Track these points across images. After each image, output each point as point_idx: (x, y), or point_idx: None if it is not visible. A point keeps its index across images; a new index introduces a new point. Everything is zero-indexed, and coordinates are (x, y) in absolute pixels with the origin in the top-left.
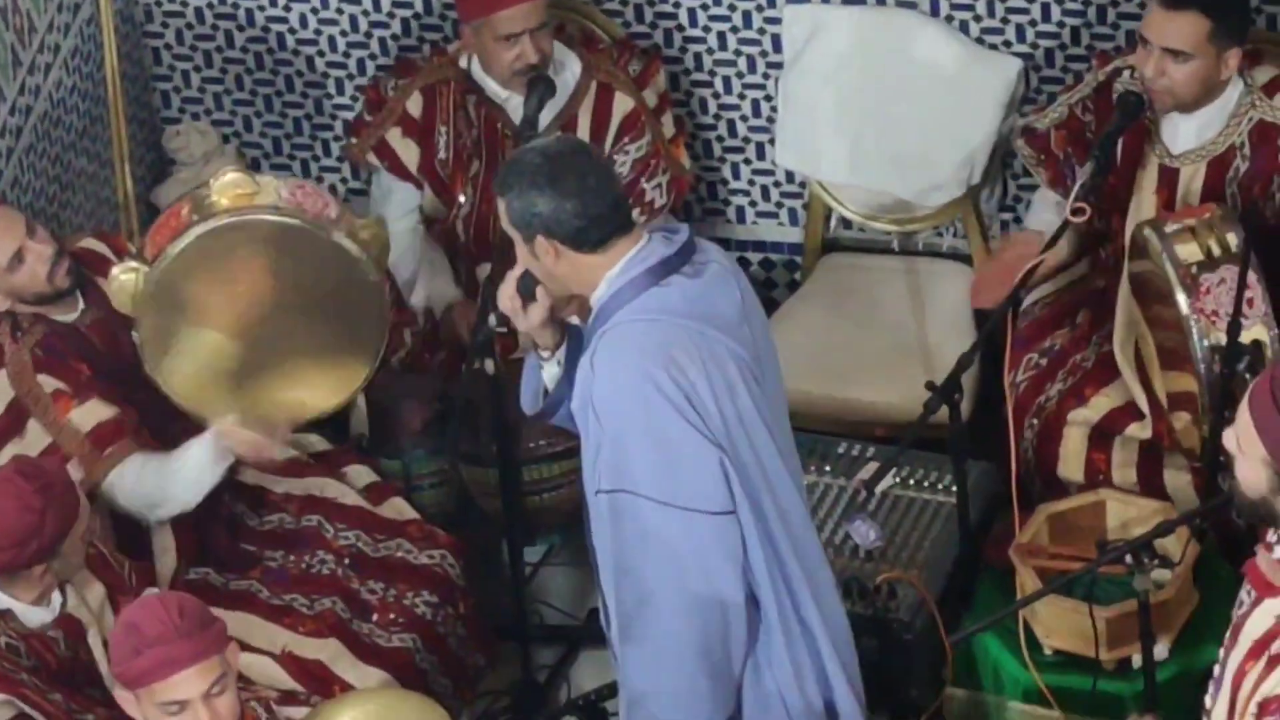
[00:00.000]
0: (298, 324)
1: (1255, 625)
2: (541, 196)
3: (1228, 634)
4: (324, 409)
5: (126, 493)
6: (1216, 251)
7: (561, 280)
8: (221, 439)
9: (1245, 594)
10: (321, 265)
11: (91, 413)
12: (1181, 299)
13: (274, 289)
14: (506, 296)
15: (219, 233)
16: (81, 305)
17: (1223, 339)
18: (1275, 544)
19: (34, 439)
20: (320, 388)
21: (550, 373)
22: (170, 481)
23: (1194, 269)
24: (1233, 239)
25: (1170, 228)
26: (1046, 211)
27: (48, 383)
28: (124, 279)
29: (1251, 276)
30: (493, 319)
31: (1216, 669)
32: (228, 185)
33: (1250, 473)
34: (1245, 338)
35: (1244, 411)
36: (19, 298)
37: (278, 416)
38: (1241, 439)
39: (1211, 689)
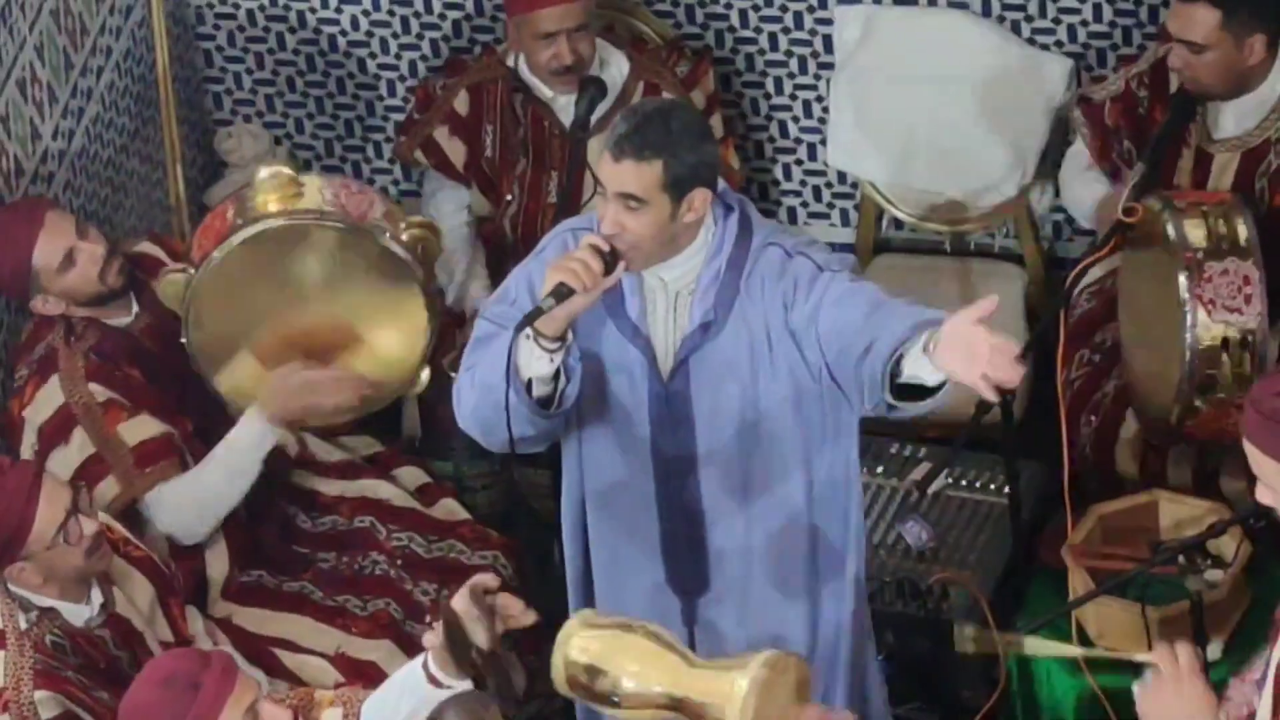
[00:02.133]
0: (341, 331)
1: None
2: (705, 147)
3: (1271, 631)
4: (360, 412)
5: (169, 510)
6: (1224, 240)
7: (672, 237)
8: (264, 411)
9: None
10: (367, 266)
11: (140, 427)
12: (1182, 280)
13: (320, 290)
14: (586, 259)
15: (262, 237)
16: (135, 309)
17: (1216, 329)
18: None
19: (78, 448)
20: (373, 373)
21: (544, 369)
22: (212, 474)
23: (1199, 254)
24: (1242, 231)
25: (1181, 204)
26: (1083, 188)
27: (99, 392)
28: (173, 278)
29: (1254, 273)
30: (545, 296)
31: (1258, 671)
32: (271, 186)
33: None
34: (1236, 334)
35: (1245, 444)
36: (73, 299)
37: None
38: (1258, 470)
39: (1256, 690)
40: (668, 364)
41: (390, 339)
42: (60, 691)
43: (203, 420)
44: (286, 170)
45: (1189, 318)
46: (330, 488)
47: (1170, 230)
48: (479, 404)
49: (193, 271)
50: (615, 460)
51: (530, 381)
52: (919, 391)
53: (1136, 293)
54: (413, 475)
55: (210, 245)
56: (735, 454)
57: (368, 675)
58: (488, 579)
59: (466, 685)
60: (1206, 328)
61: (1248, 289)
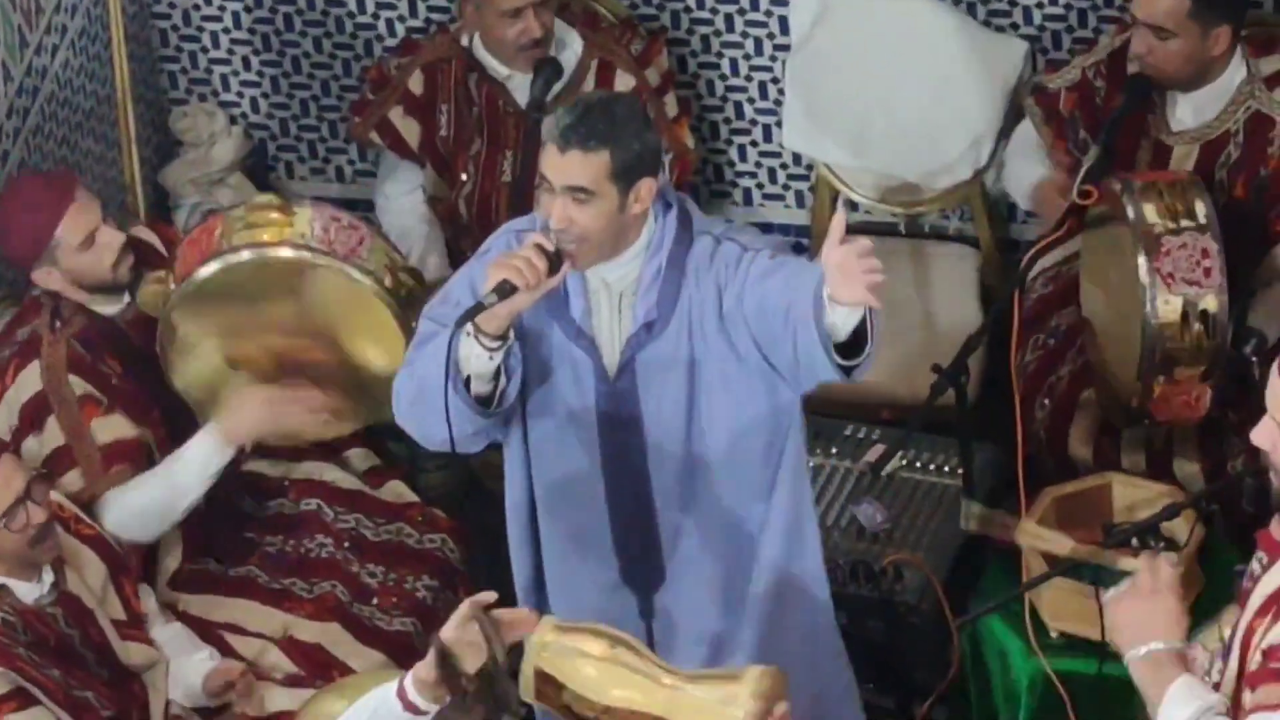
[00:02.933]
0: (317, 356)
1: (1267, 585)
2: (649, 135)
3: (1232, 607)
4: (324, 435)
5: (113, 513)
6: (1182, 216)
7: (620, 230)
8: (220, 429)
9: (1256, 563)
10: (345, 303)
11: (113, 427)
12: (1141, 259)
13: (296, 322)
14: (530, 257)
15: (245, 264)
16: (126, 299)
17: (1175, 301)
18: None
19: (50, 437)
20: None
21: (485, 367)
22: (157, 486)
23: (1156, 229)
24: (1200, 207)
25: (1139, 184)
26: (1024, 166)
27: (78, 384)
28: (153, 289)
29: (1213, 246)
30: (488, 292)
31: (1222, 644)
32: (262, 212)
33: None
34: (1195, 307)
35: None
36: (77, 281)
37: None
38: (1273, 400)
39: (1218, 663)
40: (613, 364)
41: (369, 361)
42: (11, 668)
43: (177, 417)
44: (279, 199)
45: (1149, 291)
46: (276, 469)
47: (1129, 209)
48: (415, 399)
49: (173, 286)
50: (563, 461)
51: (469, 379)
52: (857, 344)
53: (1097, 274)
54: (361, 456)
55: (194, 262)
56: (682, 449)
57: (314, 658)
58: (486, 596)
59: (434, 710)
60: (1166, 300)
61: (1206, 261)
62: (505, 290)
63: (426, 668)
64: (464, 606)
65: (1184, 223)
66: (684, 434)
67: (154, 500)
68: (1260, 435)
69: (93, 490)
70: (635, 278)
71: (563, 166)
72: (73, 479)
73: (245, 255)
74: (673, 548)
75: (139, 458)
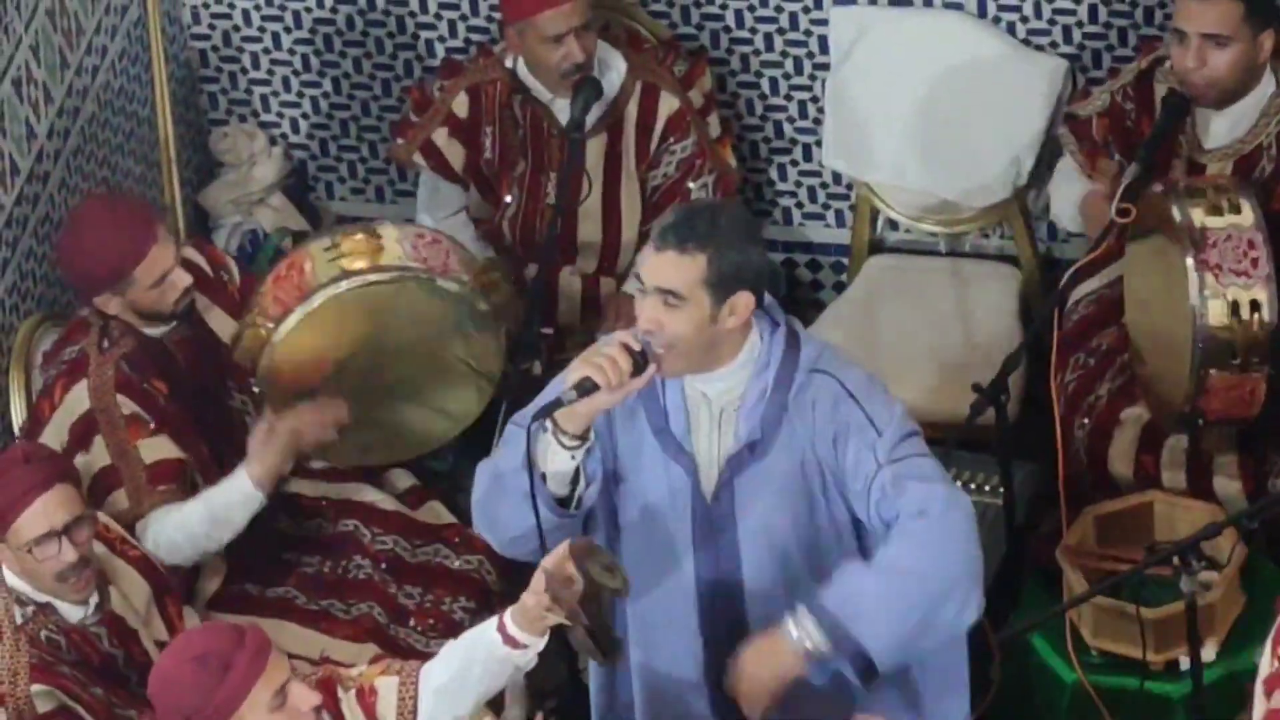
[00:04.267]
0: (416, 374)
1: None
2: (753, 249)
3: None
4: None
5: (152, 536)
6: (1227, 211)
7: (713, 345)
8: (251, 474)
9: None
10: (446, 314)
11: (159, 447)
12: (1189, 255)
13: (398, 341)
14: (614, 355)
15: (344, 297)
16: (174, 320)
17: (1224, 293)
18: None
19: (97, 456)
20: (433, 424)
21: (564, 466)
22: (196, 517)
23: (1201, 224)
24: (1244, 203)
25: (1183, 186)
26: (1068, 188)
27: (125, 404)
28: (251, 338)
29: (1258, 237)
30: (568, 389)
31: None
32: (352, 240)
33: None
34: (1244, 296)
35: None
36: (135, 310)
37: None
38: None
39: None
40: (711, 483)
41: (462, 370)
42: (56, 686)
43: (220, 439)
44: (368, 225)
45: (1196, 285)
46: (314, 490)
47: (1174, 208)
48: (490, 489)
49: (270, 326)
50: (655, 584)
51: (543, 477)
52: None
53: (1143, 283)
54: (401, 477)
55: (292, 300)
56: (781, 575)
57: None
58: (586, 541)
59: (542, 644)
60: (1214, 292)
61: (1253, 253)
62: (586, 388)
63: (533, 595)
64: (562, 546)
65: (1229, 217)
66: (784, 554)
67: (196, 529)
68: None
69: (138, 510)
70: (739, 394)
71: (656, 266)
72: (119, 498)
73: (348, 284)
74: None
75: (183, 478)
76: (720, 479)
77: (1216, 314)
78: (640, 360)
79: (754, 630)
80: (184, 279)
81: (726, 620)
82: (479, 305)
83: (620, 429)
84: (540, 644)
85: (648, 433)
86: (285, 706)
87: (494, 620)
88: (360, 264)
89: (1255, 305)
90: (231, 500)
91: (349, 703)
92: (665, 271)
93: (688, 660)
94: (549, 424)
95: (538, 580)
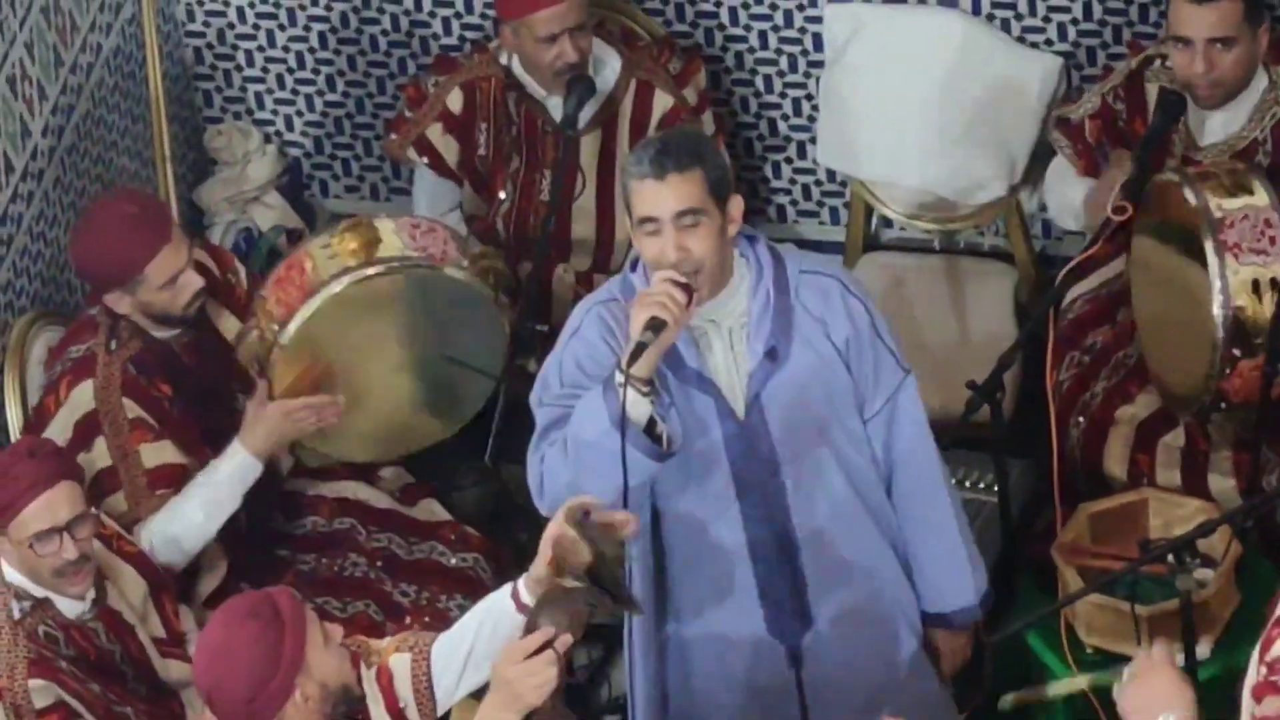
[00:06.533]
0: (421, 366)
1: None
2: (722, 156)
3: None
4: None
5: (161, 531)
6: (1241, 193)
7: (725, 259)
8: (245, 444)
9: None
10: (448, 303)
11: (161, 452)
12: (1207, 238)
13: (401, 334)
14: (670, 291)
15: (346, 296)
16: (184, 324)
17: (1244, 271)
18: None
19: (98, 457)
20: (434, 420)
21: (645, 412)
22: (190, 503)
23: (1216, 206)
24: (1257, 184)
25: (1194, 172)
26: (1069, 188)
27: (130, 408)
28: (252, 345)
29: (1275, 217)
30: (644, 332)
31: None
32: (352, 235)
33: None
34: (1265, 274)
35: None
36: (145, 312)
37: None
38: None
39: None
40: (739, 403)
41: (468, 356)
42: (54, 681)
43: (224, 443)
44: (363, 218)
45: (1216, 265)
46: (310, 488)
47: (1189, 192)
48: (579, 471)
49: (275, 329)
50: (697, 519)
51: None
52: None
53: (1152, 273)
54: (395, 475)
55: (295, 300)
56: (820, 474)
57: None
58: (584, 501)
59: None
60: (1235, 272)
61: (1271, 231)
62: (657, 325)
63: (537, 564)
64: (561, 512)
65: (1243, 198)
66: (820, 461)
67: (187, 518)
68: None
69: (136, 514)
70: (743, 310)
71: (666, 194)
72: (117, 501)
73: (351, 279)
74: (818, 586)
75: (182, 484)
76: (748, 397)
77: (1239, 294)
78: (687, 290)
79: (800, 542)
80: (196, 281)
81: (773, 533)
82: (483, 290)
83: None
84: None
85: (667, 377)
86: (329, 641)
87: (508, 587)
88: (360, 259)
89: (1275, 284)
90: (227, 473)
91: (369, 680)
92: (678, 194)
93: (739, 584)
94: (633, 384)
95: (543, 549)
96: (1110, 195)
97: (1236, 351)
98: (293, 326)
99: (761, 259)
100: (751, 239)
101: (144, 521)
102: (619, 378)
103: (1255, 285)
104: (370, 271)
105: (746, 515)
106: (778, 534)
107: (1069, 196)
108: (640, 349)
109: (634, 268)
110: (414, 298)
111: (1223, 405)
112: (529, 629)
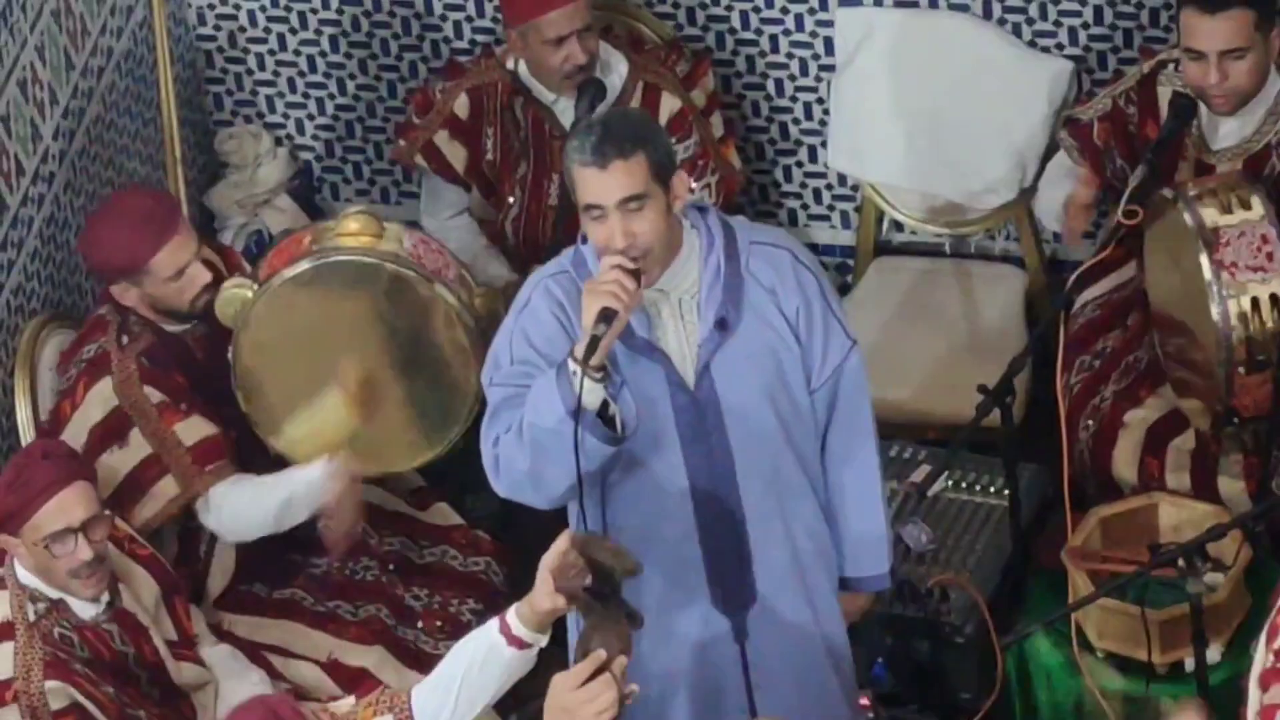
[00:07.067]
0: (390, 374)
1: None
2: (664, 132)
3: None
4: (393, 468)
5: (226, 513)
6: (1238, 208)
7: (670, 234)
8: (329, 477)
9: None
10: (425, 322)
11: (195, 428)
12: (1203, 256)
13: (375, 334)
14: (619, 279)
15: (334, 267)
16: (192, 320)
17: (1242, 290)
18: None
19: (136, 448)
20: (399, 444)
21: (597, 399)
22: (273, 498)
23: (1212, 223)
24: (1254, 199)
25: (1192, 191)
26: (1055, 189)
27: (153, 394)
28: (233, 293)
29: (1271, 232)
30: (596, 323)
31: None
32: (353, 223)
33: None
34: (1264, 291)
35: None
36: (152, 305)
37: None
38: None
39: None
40: (689, 373)
41: (430, 401)
42: (69, 682)
43: (239, 432)
44: (369, 214)
45: (1214, 284)
46: None
47: (1185, 213)
48: (535, 457)
49: (256, 288)
50: (645, 493)
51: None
52: None
53: (1163, 292)
54: (407, 479)
55: (281, 265)
56: (769, 450)
57: (359, 681)
58: (585, 534)
59: (545, 640)
60: (1231, 291)
61: (1267, 247)
62: (609, 316)
63: (541, 596)
64: (561, 540)
65: (1240, 213)
66: (768, 433)
67: (266, 509)
68: None
69: (192, 490)
70: (693, 280)
71: (610, 182)
72: (167, 485)
73: (335, 257)
74: (763, 563)
75: (229, 452)
76: (698, 366)
77: (1237, 313)
78: (635, 276)
79: (747, 515)
80: (203, 275)
81: (722, 508)
82: (463, 319)
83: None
84: (543, 640)
85: (616, 349)
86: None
87: (492, 624)
88: (357, 241)
89: (1275, 300)
90: (303, 489)
91: None
92: (622, 181)
93: (688, 560)
94: (586, 371)
95: (543, 579)
96: (1081, 218)
97: (1242, 370)
98: (270, 286)
99: (713, 229)
100: (702, 209)
101: (208, 497)
102: (573, 366)
103: (1255, 303)
104: (360, 257)
105: (695, 485)
106: (725, 505)
107: (1055, 200)
108: (595, 342)
109: (584, 240)
110: (395, 296)
111: (1236, 421)
112: (580, 655)
